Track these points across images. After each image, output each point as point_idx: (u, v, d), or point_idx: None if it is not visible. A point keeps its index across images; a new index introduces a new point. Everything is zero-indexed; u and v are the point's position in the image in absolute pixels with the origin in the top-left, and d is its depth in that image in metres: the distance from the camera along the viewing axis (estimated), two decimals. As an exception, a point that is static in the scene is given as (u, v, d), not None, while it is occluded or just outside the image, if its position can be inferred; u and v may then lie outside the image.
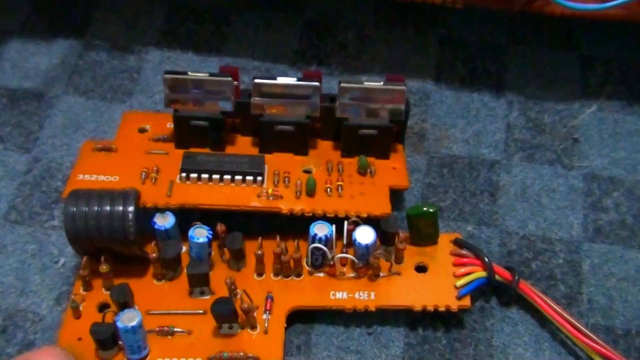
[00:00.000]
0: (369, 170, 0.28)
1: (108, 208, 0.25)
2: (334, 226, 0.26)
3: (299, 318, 0.27)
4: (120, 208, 0.25)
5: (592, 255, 0.28)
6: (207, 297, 0.26)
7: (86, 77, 0.33)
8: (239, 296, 0.25)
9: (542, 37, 0.34)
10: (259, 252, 0.26)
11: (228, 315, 0.25)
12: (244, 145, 0.29)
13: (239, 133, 0.29)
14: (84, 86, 0.32)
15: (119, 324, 0.23)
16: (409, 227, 0.27)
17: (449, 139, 0.31)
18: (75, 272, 0.27)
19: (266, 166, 0.28)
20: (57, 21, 0.34)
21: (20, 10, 0.34)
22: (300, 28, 0.34)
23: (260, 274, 0.27)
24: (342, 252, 0.27)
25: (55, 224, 0.29)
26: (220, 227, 0.27)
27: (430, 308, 0.26)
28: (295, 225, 0.27)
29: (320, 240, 0.26)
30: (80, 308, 0.25)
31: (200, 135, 0.28)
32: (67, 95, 0.32)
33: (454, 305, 0.26)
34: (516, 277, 0.26)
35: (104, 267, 0.26)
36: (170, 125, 0.29)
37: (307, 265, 0.27)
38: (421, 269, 0.27)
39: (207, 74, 0.27)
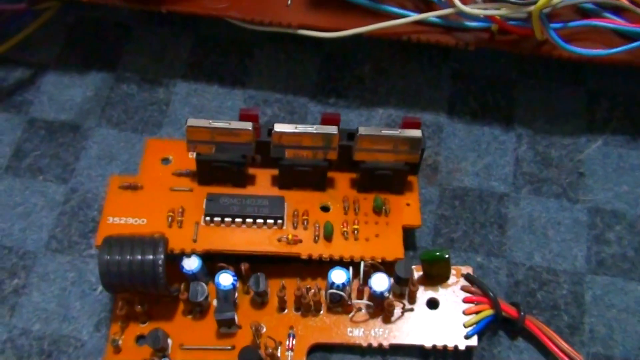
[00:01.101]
0: (383, 209, 0.30)
1: (139, 257, 0.27)
2: (350, 271, 0.28)
3: (317, 345, 0.29)
4: (151, 257, 0.27)
5: (595, 286, 0.30)
6: (234, 331, 0.28)
7: (118, 110, 0.35)
8: (263, 331, 0.28)
9: (550, 72, 0.36)
10: (281, 294, 0.28)
11: None
12: (264, 181, 0.31)
13: (258, 166, 0.31)
14: (116, 118, 0.34)
15: None
16: (422, 268, 0.29)
17: (461, 171, 0.33)
18: (112, 298, 0.29)
19: (286, 204, 0.30)
20: (89, 54, 0.36)
21: (55, 44, 0.36)
22: (320, 61, 0.36)
23: (282, 309, 0.29)
24: (358, 290, 0.29)
25: (92, 252, 0.31)
26: (244, 266, 0.29)
27: (440, 347, 0.28)
28: (314, 261, 0.29)
29: (338, 287, 0.28)
30: (120, 343, 0.28)
31: (222, 174, 0.30)
32: (100, 128, 0.34)
33: (462, 345, 0.28)
34: (522, 314, 0.28)
35: (138, 308, 0.28)
36: (192, 155, 0.30)
37: (326, 300, 0.29)
38: (433, 304, 0.29)
39: (228, 123, 0.28)
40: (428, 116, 0.35)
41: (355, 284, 0.29)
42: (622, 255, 0.31)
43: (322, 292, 0.29)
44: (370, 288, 0.28)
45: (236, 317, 0.28)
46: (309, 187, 0.31)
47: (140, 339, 0.28)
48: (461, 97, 0.35)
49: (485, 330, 0.29)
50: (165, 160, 0.31)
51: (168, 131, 0.34)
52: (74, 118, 0.34)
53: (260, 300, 0.29)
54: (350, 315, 0.29)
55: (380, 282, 0.28)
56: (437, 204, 0.32)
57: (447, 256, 0.28)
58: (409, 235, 0.31)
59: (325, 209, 0.30)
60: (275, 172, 0.31)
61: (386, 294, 0.28)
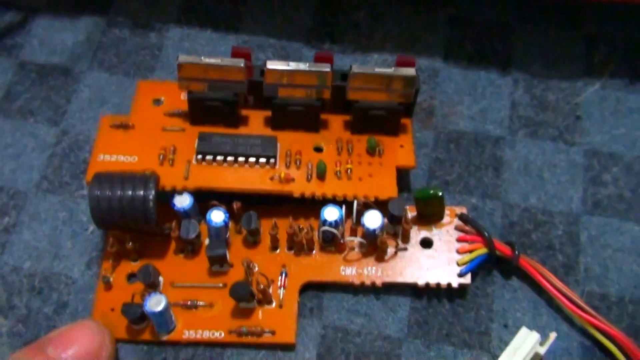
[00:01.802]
0: (377, 150, 0.30)
1: (130, 192, 0.26)
2: (343, 209, 0.28)
3: (312, 283, 0.29)
4: (142, 192, 0.26)
5: (590, 227, 0.30)
6: (226, 269, 0.28)
7: (110, 54, 0.34)
8: (255, 270, 0.28)
9: (548, 16, 0.35)
10: (273, 232, 0.28)
11: (245, 297, 0.27)
12: (256, 122, 0.30)
13: (251, 107, 0.31)
14: (108, 62, 0.34)
15: (147, 309, 0.26)
16: (416, 207, 0.29)
17: (456, 115, 0.33)
18: (104, 238, 0.29)
19: (278, 144, 0.30)
20: (81, -2, 0.36)
21: (46, -13, 0.36)
22: (314, 6, 0.36)
23: (274, 249, 0.29)
24: (351, 229, 0.29)
25: (83, 193, 0.30)
26: (237, 205, 0.29)
27: (433, 285, 0.28)
28: (307, 202, 0.29)
29: (330, 225, 0.28)
30: (111, 280, 0.28)
31: (214, 114, 0.30)
32: (92, 71, 0.34)
33: (455, 282, 0.28)
34: (516, 253, 0.28)
35: (129, 245, 0.28)
36: (184, 96, 0.30)
37: (319, 239, 0.29)
38: (426, 243, 0.29)
39: (219, 60, 0.28)
40: (424, 61, 0.34)
41: (348, 224, 0.29)
42: (619, 196, 0.31)
43: (315, 232, 0.29)
44: (363, 225, 0.28)
45: (228, 255, 0.28)
46: (302, 129, 0.30)
47: (131, 277, 0.28)
48: (458, 42, 0.35)
49: (479, 269, 0.29)
50: (157, 102, 0.31)
51: (161, 75, 0.34)
52: (65, 61, 0.34)
53: (252, 240, 0.29)
54: (344, 254, 0.29)
55: (373, 219, 0.28)
56: (431, 147, 0.32)
57: (440, 194, 0.28)
58: (403, 177, 0.31)
59: (318, 149, 0.30)
60: (269, 113, 0.30)
61: (379, 232, 0.28)
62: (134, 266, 0.28)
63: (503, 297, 0.29)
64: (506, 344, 0.26)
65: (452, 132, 0.32)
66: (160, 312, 0.26)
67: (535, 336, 0.25)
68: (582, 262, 0.29)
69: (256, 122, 0.31)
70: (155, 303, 0.26)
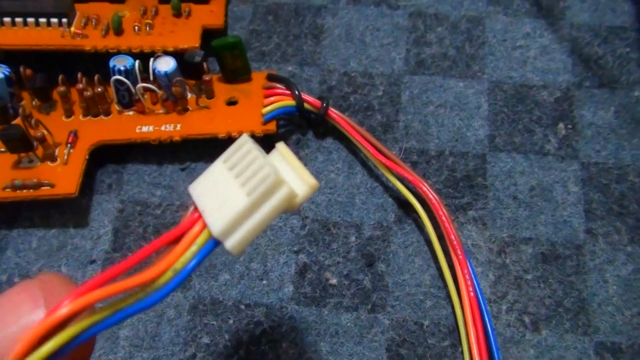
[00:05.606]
0: (183, 12, 0.28)
1: None
2: (137, 62, 0.26)
3: (111, 159, 0.27)
4: None
5: (412, 86, 0.28)
6: (11, 130, 0.25)
7: None
8: (32, 120, 0.25)
9: None
10: (62, 89, 0.26)
11: (19, 141, 0.24)
12: None
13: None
14: None
15: None
16: (217, 62, 0.27)
17: (277, -12, 0.31)
18: None
19: (77, 13, 0.27)
20: None
21: None
22: None
23: (68, 116, 0.26)
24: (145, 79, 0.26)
25: None
26: (26, 71, 0.26)
27: (235, 134, 0.26)
28: (105, 68, 0.26)
29: (120, 72, 0.25)
30: None
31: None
32: None
33: (259, 129, 0.26)
34: (324, 105, 0.26)
35: None
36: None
37: (117, 105, 0.27)
38: (233, 104, 0.27)
39: None
40: (246, -61, 0.32)
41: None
42: (443, 54, 0.29)
43: (114, 102, 0.26)
44: (154, 70, 0.25)
45: (9, 110, 0.25)
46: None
47: None
48: None
49: (293, 128, 0.27)
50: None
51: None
52: None
53: (45, 112, 0.26)
54: (143, 110, 0.26)
55: (165, 63, 0.26)
56: (249, 20, 0.30)
57: (236, 40, 0.26)
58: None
59: (119, 16, 0.28)
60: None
61: (171, 75, 0.25)
62: None
63: (317, 159, 0.27)
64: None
65: (271, 5, 0.30)
66: None
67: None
68: (402, 120, 0.27)
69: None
70: None
